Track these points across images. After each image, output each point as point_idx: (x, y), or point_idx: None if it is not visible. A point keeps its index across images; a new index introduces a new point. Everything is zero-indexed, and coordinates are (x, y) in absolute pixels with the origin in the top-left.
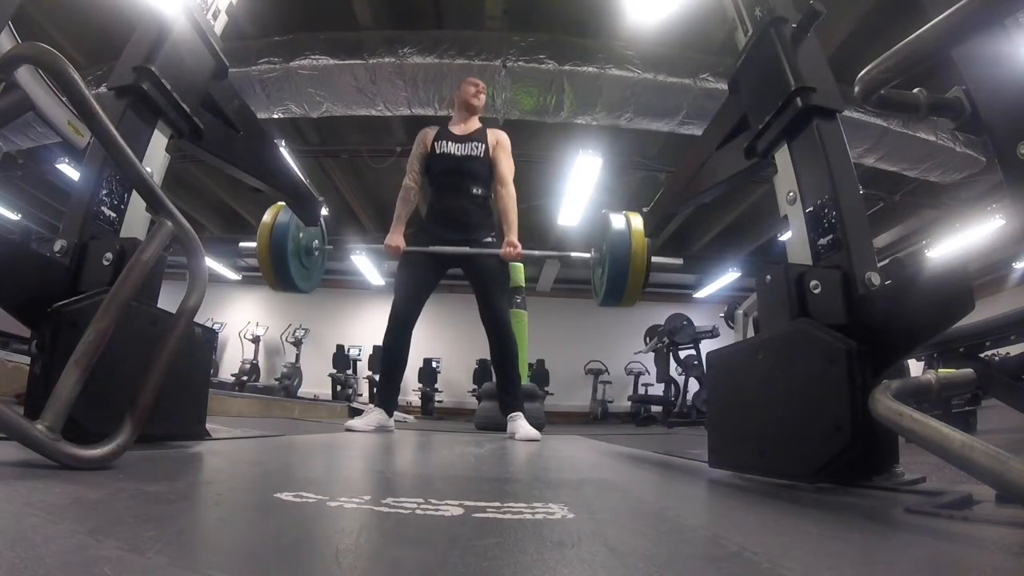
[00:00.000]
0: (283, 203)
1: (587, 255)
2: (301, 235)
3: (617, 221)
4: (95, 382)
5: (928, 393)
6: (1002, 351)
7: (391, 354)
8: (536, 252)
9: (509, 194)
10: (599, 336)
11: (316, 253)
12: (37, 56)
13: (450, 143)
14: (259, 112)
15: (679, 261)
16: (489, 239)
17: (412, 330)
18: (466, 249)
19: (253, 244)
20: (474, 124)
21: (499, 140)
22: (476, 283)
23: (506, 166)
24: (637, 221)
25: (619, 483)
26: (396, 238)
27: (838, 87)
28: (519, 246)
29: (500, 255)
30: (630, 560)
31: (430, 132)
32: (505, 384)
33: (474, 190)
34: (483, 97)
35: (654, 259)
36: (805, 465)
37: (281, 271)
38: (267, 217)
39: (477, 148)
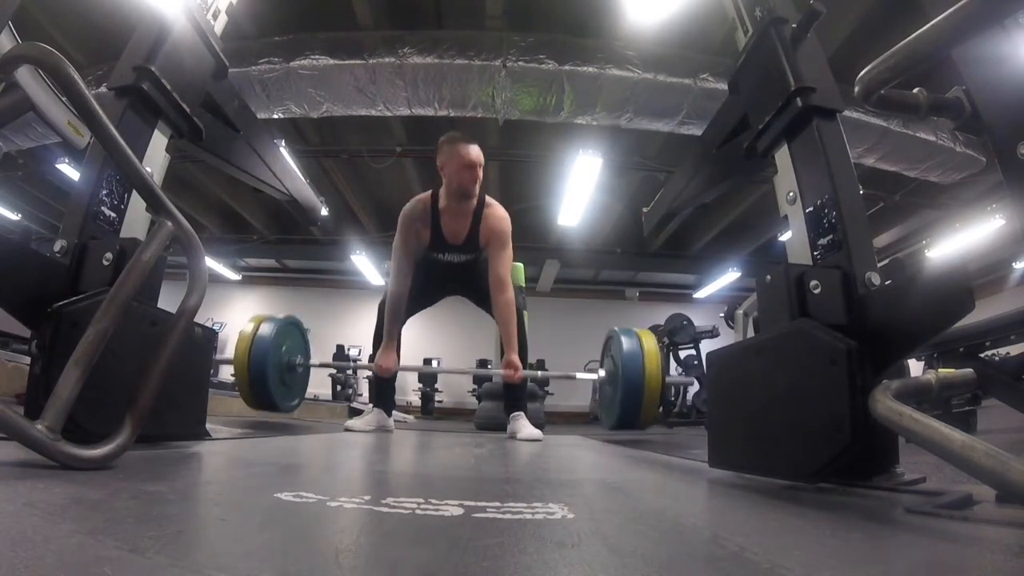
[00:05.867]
0: (265, 316)
1: (593, 376)
2: (284, 348)
3: (629, 342)
4: (95, 382)
5: (928, 393)
6: (1002, 351)
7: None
8: (540, 372)
9: (507, 302)
10: (599, 336)
11: (299, 369)
12: (37, 56)
13: (447, 254)
14: (259, 112)
15: (692, 380)
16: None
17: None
18: (461, 368)
19: (230, 359)
20: (468, 212)
21: (494, 231)
22: (479, 291)
23: (502, 264)
24: (650, 340)
25: (619, 483)
26: (390, 359)
27: (838, 87)
28: (520, 368)
29: (503, 377)
30: (630, 560)
31: (424, 232)
32: (513, 382)
33: (471, 281)
34: (482, 173)
35: (668, 379)
36: (805, 465)
37: (260, 391)
38: (247, 329)
39: (473, 255)
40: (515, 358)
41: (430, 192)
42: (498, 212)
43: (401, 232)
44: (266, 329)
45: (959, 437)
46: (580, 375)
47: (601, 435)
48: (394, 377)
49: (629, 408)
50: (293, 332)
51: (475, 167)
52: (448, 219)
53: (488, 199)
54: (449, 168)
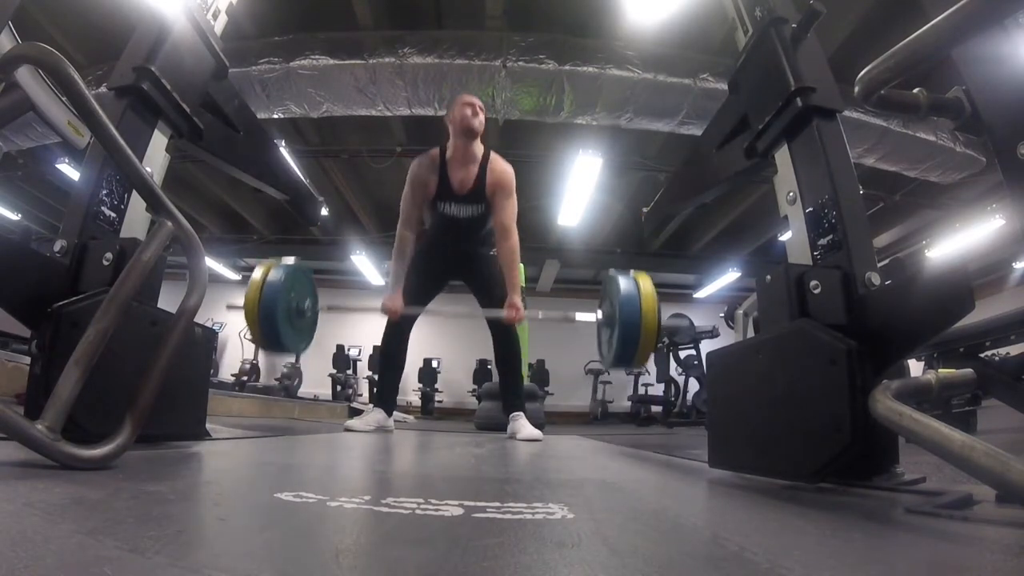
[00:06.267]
0: (274, 262)
1: (592, 317)
2: (292, 294)
3: (626, 283)
4: (95, 382)
5: (928, 393)
6: (1002, 351)
7: (389, 354)
8: (540, 313)
9: (511, 248)
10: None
11: (308, 314)
12: (37, 56)
13: (453, 205)
14: (259, 112)
15: (686, 323)
16: (494, 252)
17: (410, 332)
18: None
19: (240, 303)
20: (474, 160)
21: (498, 182)
22: (478, 286)
23: (507, 213)
24: (646, 282)
25: (619, 483)
26: (396, 300)
27: (838, 87)
28: (521, 309)
29: (503, 319)
30: (630, 560)
31: (432, 180)
32: (509, 383)
33: (476, 237)
34: (483, 116)
35: (665, 322)
36: (805, 465)
37: (270, 333)
38: (257, 275)
39: (478, 208)
40: (517, 300)
41: (438, 147)
42: (503, 165)
43: (410, 183)
44: (276, 275)
45: (959, 437)
46: (580, 316)
47: (601, 435)
48: (400, 372)
49: (627, 346)
50: (301, 279)
51: (474, 104)
52: (455, 168)
53: (493, 153)
54: (453, 114)
